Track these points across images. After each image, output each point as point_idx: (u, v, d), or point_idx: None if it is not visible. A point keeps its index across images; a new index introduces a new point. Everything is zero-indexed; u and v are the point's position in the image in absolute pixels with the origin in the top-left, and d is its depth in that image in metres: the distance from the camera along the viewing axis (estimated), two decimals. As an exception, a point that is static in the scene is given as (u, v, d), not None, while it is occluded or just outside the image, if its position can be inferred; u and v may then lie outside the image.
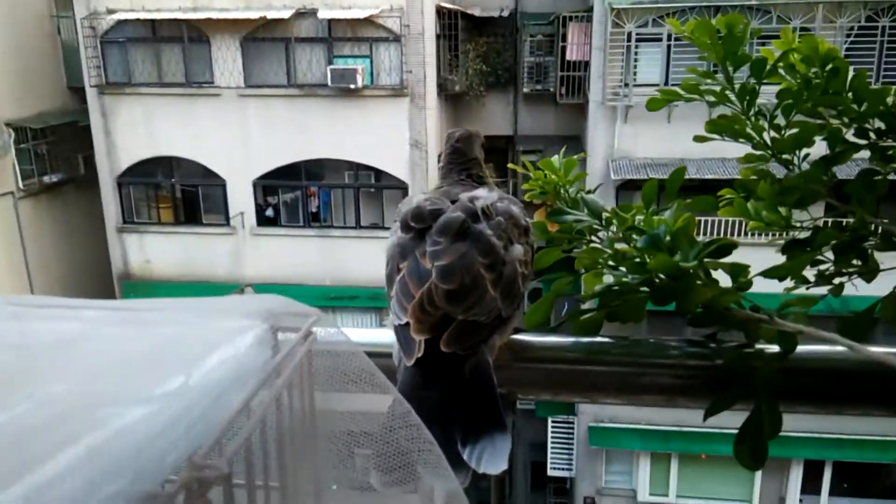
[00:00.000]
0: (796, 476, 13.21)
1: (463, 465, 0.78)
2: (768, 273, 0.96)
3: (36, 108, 15.06)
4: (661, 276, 0.88)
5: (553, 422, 14.61)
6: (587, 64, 13.95)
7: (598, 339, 0.98)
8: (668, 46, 12.63)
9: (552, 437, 14.77)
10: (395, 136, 13.73)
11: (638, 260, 0.93)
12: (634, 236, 0.99)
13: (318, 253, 14.34)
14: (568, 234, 1.07)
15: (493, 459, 0.79)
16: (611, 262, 0.98)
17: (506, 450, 0.80)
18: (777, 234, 1.21)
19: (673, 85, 12.62)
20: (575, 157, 1.15)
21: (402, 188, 14.03)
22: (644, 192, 1.04)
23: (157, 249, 14.64)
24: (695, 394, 0.93)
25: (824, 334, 0.81)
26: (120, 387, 0.42)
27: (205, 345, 0.49)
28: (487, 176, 1.17)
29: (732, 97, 1.22)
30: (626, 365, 0.94)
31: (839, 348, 0.88)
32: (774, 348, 0.91)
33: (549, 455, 14.90)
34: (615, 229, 1.04)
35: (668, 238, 0.91)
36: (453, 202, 1.04)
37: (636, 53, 12.94)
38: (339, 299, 14.26)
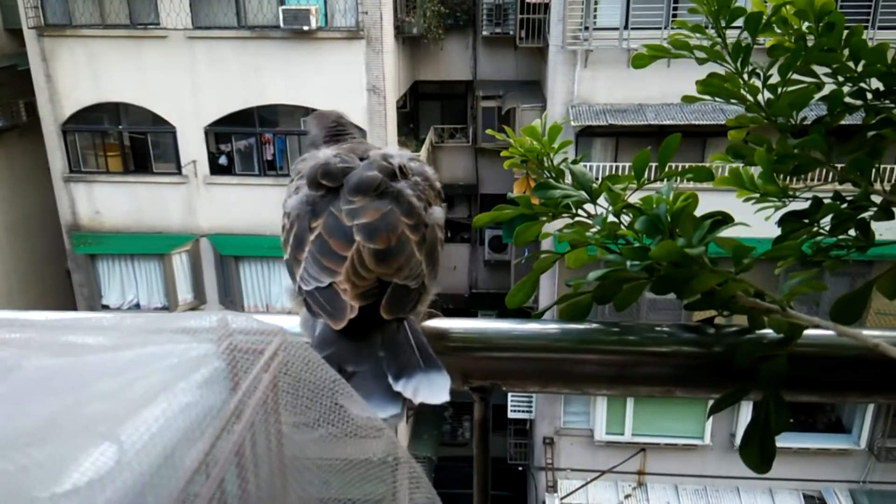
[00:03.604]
0: (746, 413, 13.70)
1: (396, 397, 0.72)
2: (772, 253, 0.89)
3: (-30, 51, 14.22)
4: (664, 262, 0.81)
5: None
6: (547, 6, 13.67)
7: (587, 325, 0.91)
8: (629, -11, 12.44)
9: (512, 400, 15.03)
10: (352, 81, 13.34)
11: (638, 245, 0.85)
12: (626, 211, 0.91)
13: (275, 202, 13.96)
14: (552, 208, 0.98)
15: (431, 390, 0.74)
16: (604, 241, 0.90)
17: (445, 384, 0.75)
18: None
19: (633, 29, 12.54)
20: (559, 122, 1.06)
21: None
22: (636, 162, 0.95)
23: (106, 199, 14.14)
24: (694, 384, 0.87)
25: (841, 328, 0.75)
26: (35, 466, 0.33)
27: (146, 391, 0.40)
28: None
29: (725, 54, 1.14)
30: (620, 354, 0.87)
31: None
32: (775, 334, 0.85)
33: (509, 398, 15.17)
34: (604, 202, 0.96)
35: (668, 219, 0.83)
36: (363, 160, 0.97)
37: (596, -5, 12.73)
38: (297, 249, 14.04)
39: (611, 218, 0.94)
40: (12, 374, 0.46)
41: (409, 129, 17.39)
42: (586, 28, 12.59)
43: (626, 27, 12.54)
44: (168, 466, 0.36)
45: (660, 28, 12.33)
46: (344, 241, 0.85)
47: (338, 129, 1.16)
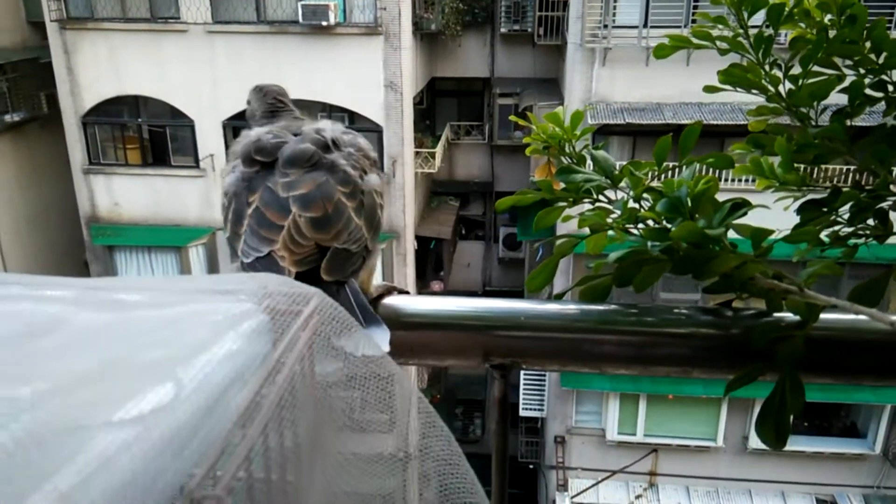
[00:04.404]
0: (760, 416, 13.60)
1: None
2: (790, 238, 0.90)
3: (-7, 43, 14.40)
4: (684, 243, 0.82)
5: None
6: (566, 4, 13.64)
7: (606, 306, 0.92)
8: (649, -13, 12.39)
9: (524, 379, 15.01)
10: (369, 77, 13.38)
11: (658, 226, 0.87)
12: (647, 196, 0.93)
13: (292, 196, 14.06)
14: (573, 194, 1.00)
15: (371, 343, 0.76)
16: (626, 225, 0.92)
17: (385, 336, 0.78)
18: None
19: (652, 27, 12.48)
20: (581, 109, 1.07)
21: (376, 131, 13.77)
22: (656, 149, 0.97)
23: (125, 192, 14.28)
24: (711, 365, 0.89)
25: (857, 307, 0.76)
26: (99, 399, 0.35)
27: (197, 339, 0.42)
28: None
29: (746, 45, 1.15)
30: (639, 335, 0.89)
31: (860, 317, 0.83)
32: (792, 317, 0.86)
33: (521, 396, 15.17)
34: (626, 187, 0.97)
35: (689, 202, 0.85)
36: (296, 135, 1.01)
37: (616, -7, 12.68)
38: (312, 243, 14.09)
39: (631, 203, 0.96)
40: (64, 326, 0.49)
41: (426, 125, 17.41)
42: (605, 26, 12.55)
43: (645, 25, 12.49)
44: (220, 406, 0.38)
45: (679, 27, 12.26)
46: (280, 212, 0.90)
47: (277, 105, 1.18)
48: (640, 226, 0.92)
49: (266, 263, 0.86)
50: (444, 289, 17.33)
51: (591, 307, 0.93)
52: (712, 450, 14.14)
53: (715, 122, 11.87)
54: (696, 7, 12.28)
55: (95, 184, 14.28)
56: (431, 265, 17.38)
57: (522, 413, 15.41)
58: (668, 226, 0.87)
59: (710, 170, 1.11)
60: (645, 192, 0.93)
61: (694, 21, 12.17)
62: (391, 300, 0.92)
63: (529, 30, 15.75)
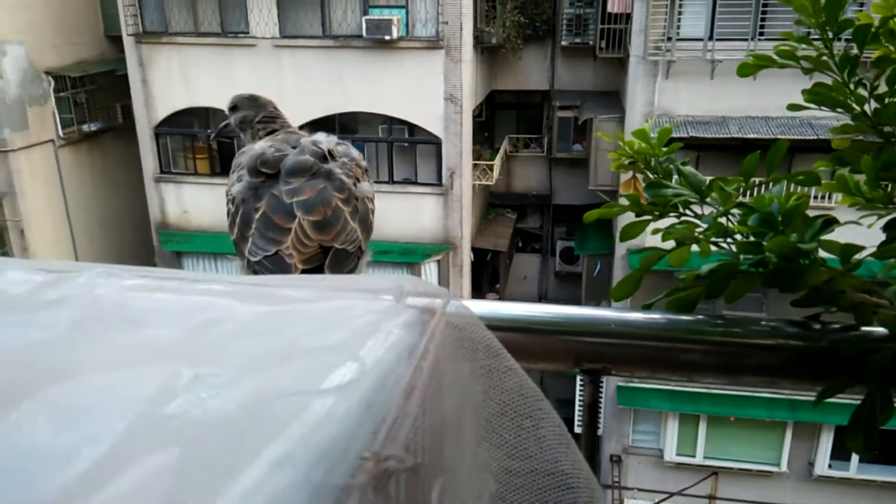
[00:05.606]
0: (826, 441, 13.14)
1: None
2: (878, 254, 0.92)
3: (74, 56, 15.14)
4: (776, 257, 0.86)
5: (581, 380, 14.60)
6: (629, 16, 13.55)
7: (693, 317, 0.96)
8: (714, -1, 12.23)
9: (580, 396, 14.85)
10: (430, 90, 13.56)
11: (751, 240, 0.90)
12: (735, 211, 0.96)
13: (352, 206, 14.33)
14: (660, 208, 1.04)
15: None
16: (713, 239, 0.96)
17: None
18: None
19: (718, 40, 12.29)
20: (667, 125, 1.11)
21: (435, 143, 13.92)
22: (744, 165, 1.00)
23: (194, 200, 14.78)
24: (799, 376, 0.91)
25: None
26: (304, 371, 0.42)
27: (362, 327, 0.49)
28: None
29: (831, 65, 1.17)
30: (726, 345, 0.92)
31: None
32: (881, 330, 0.88)
33: (576, 413, 14.99)
34: (713, 202, 1.01)
35: (780, 217, 0.88)
36: (294, 147, 1.11)
37: (680, 6, 12.53)
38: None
39: (724, 220, 0.99)
40: (233, 316, 0.55)
41: (484, 137, 17.50)
42: (669, 38, 12.42)
43: (710, 38, 12.30)
44: (387, 384, 0.44)
45: (746, 39, 12.04)
46: (285, 216, 1.00)
47: (273, 115, 1.30)
48: (730, 240, 0.95)
49: (273, 261, 0.97)
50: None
51: (678, 317, 0.96)
52: (775, 475, 13.70)
53: (783, 137, 11.58)
54: (763, 19, 12.05)
55: (166, 192, 14.83)
56: (487, 277, 17.41)
57: (577, 430, 15.23)
58: (758, 240, 0.90)
59: (794, 186, 1.13)
60: (734, 208, 0.96)
61: (762, 34, 11.94)
62: (490, 305, 0.98)
63: (591, 42, 15.70)
